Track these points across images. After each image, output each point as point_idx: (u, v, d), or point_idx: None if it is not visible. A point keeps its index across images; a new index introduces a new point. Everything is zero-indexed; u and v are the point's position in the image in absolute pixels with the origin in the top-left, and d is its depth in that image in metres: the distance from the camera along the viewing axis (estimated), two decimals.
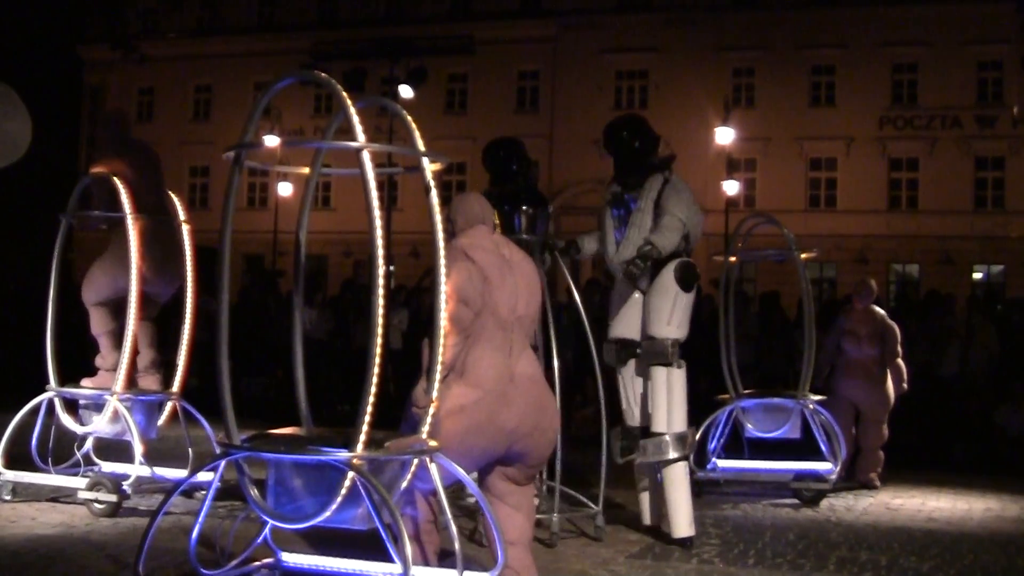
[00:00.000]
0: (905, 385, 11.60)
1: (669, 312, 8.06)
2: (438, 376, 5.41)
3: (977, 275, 42.50)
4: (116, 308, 8.91)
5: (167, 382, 9.20)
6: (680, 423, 8.06)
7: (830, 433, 10.52)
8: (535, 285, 5.97)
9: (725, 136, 38.70)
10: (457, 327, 5.55)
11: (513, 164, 8.46)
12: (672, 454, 7.97)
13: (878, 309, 11.64)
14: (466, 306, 5.55)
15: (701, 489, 10.29)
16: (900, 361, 11.52)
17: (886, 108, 43.87)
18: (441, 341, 5.42)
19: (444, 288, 5.46)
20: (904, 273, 43.63)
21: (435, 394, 5.39)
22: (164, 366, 9.33)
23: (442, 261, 5.48)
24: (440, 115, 45.88)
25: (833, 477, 10.34)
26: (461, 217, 5.90)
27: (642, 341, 8.17)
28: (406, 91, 27.78)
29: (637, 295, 8.28)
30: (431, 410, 5.37)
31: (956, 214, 42.39)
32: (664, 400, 8.04)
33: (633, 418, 8.31)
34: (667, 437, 7.96)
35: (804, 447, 10.75)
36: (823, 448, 10.49)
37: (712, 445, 10.59)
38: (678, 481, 8.04)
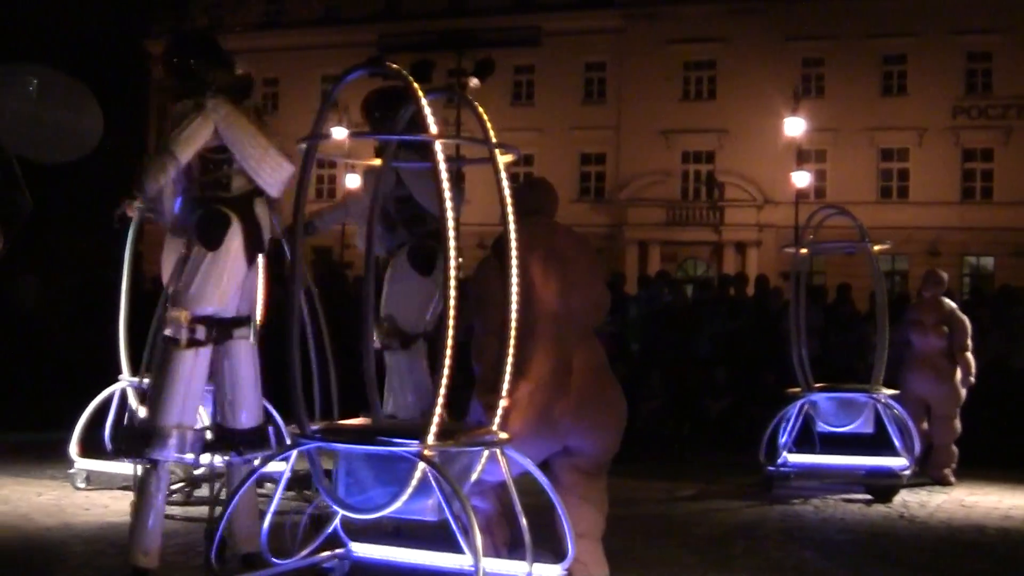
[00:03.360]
0: (972, 379, 11.38)
1: None
2: (508, 372, 5.39)
3: None
4: None
5: None
6: None
7: (904, 428, 10.39)
8: (591, 276, 5.93)
9: (795, 127, 38.42)
10: (487, 327, 5.54)
11: (191, 60, 6.48)
12: None
13: (947, 300, 11.47)
14: (492, 306, 5.52)
15: (771, 484, 10.22)
16: (969, 355, 11.31)
17: (959, 97, 43.32)
18: (512, 337, 5.39)
19: (515, 285, 5.42)
20: (978, 266, 43.12)
21: (505, 389, 5.37)
22: None
23: (514, 255, 5.44)
24: (507, 107, 45.86)
25: (907, 473, 10.22)
26: (519, 206, 5.86)
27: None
28: (476, 83, 27.80)
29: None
30: (502, 403, 5.36)
31: None
32: None
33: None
34: None
35: (876, 442, 10.62)
36: (896, 443, 10.37)
37: (783, 440, 10.49)
38: None
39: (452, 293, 5.12)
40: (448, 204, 5.13)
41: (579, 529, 5.64)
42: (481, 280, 5.76)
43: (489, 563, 5.24)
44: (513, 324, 5.40)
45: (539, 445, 5.66)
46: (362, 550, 5.91)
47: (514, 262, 5.43)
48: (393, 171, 7.23)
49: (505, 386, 5.37)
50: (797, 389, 10.69)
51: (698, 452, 13.07)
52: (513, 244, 5.45)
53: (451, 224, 5.12)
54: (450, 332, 5.09)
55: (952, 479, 11.07)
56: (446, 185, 5.10)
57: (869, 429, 10.56)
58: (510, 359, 5.39)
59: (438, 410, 5.05)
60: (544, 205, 6.04)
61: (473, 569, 5.00)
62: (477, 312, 5.75)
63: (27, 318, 15.85)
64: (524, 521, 5.30)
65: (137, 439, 6.25)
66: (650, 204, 46.20)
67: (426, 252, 7.63)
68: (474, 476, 5.38)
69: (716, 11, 45.25)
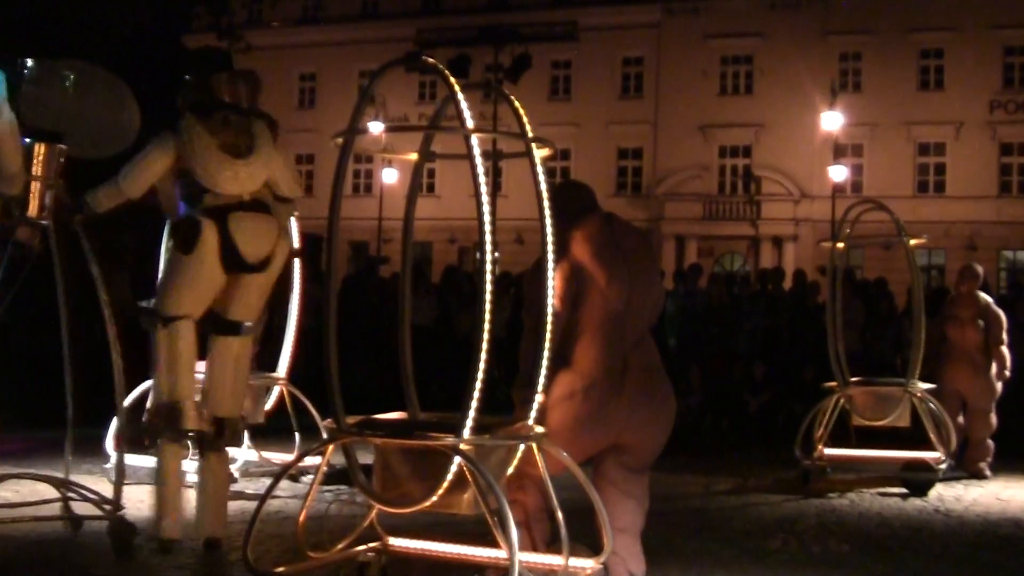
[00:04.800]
0: (1008, 373, 11.36)
1: None
2: (544, 368, 5.39)
3: None
4: None
5: (272, 367, 9.29)
6: None
7: (939, 422, 10.36)
8: (650, 273, 5.92)
9: (832, 121, 38.31)
10: (534, 324, 5.53)
11: None
12: None
13: (983, 295, 11.44)
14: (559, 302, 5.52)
15: (808, 478, 10.20)
16: (1004, 349, 11.28)
17: (997, 92, 43.04)
18: (548, 332, 5.39)
19: (552, 281, 5.42)
20: (1015, 260, 42.84)
21: (541, 385, 5.37)
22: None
23: (550, 251, 5.44)
24: (544, 102, 45.81)
25: (943, 467, 10.18)
26: (573, 206, 5.84)
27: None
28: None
29: None
30: (538, 398, 5.35)
31: None
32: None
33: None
34: None
35: (913, 436, 10.59)
36: (932, 437, 10.33)
37: (819, 434, 10.47)
38: None
39: (488, 287, 5.12)
40: (485, 198, 5.13)
41: (620, 524, 5.63)
42: (533, 278, 5.74)
43: (526, 557, 5.25)
44: (550, 321, 5.40)
45: (590, 441, 5.65)
46: (399, 543, 5.91)
47: (550, 256, 5.42)
48: (174, 145, 7.01)
49: (541, 381, 5.37)
50: (834, 383, 10.67)
51: (736, 447, 13.04)
52: (549, 239, 5.45)
53: (487, 219, 5.12)
54: (486, 327, 5.08)
55: (988, 473, 11.03)
56: (482, 180, 5.10)
57: (905, 423, 10.54)
58: (546, 354, 5.39)
59: (474, 403, 5.05)
60: (593, 200, 6.03)
61: (509, 562, 5.01)
62: (529, 309, 5.73)
63: (126, 316, 15.40)
64: (560, 515, 5.30)
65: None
66: (687, 199, 46.11)
67: (186, 227, 6.73)
68: (511, 470, 5.38)
69: (754, 6, 45.10)
